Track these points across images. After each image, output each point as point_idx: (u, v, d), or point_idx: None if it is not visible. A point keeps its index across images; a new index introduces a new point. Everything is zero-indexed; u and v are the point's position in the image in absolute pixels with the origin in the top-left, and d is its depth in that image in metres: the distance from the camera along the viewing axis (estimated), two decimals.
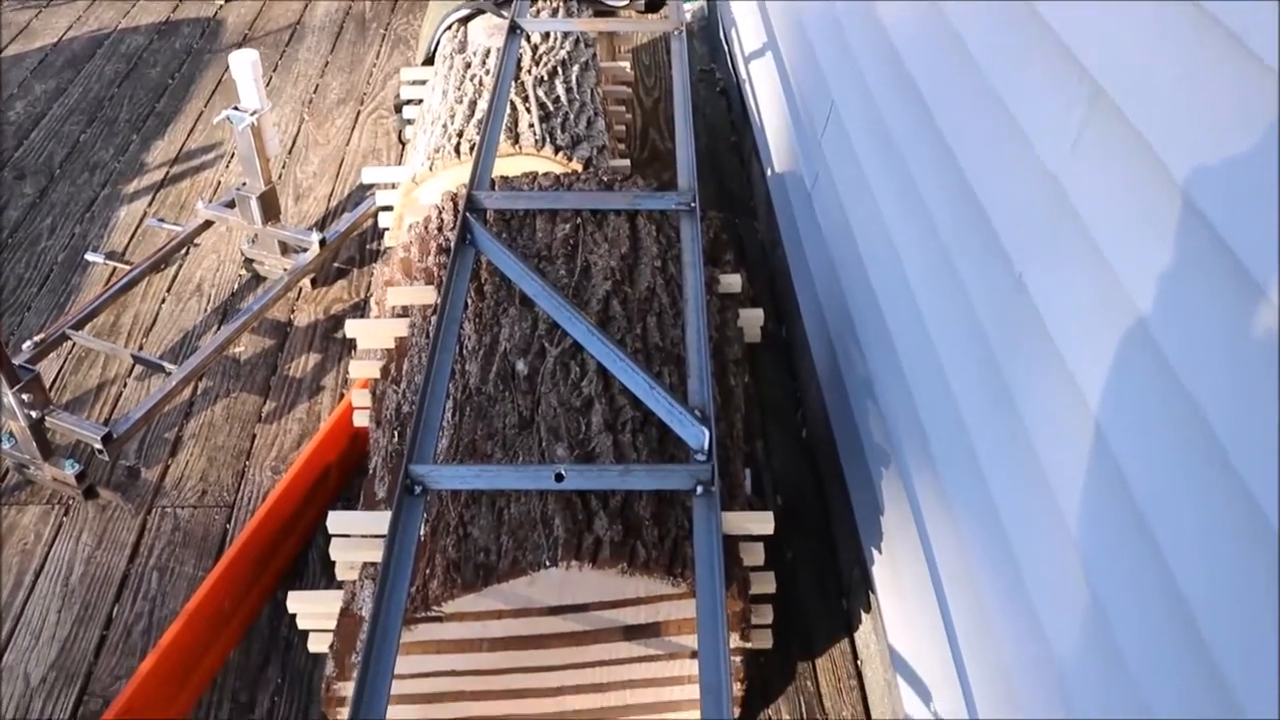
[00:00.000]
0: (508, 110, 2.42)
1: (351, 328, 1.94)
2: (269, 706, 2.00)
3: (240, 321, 2.59)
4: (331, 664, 1.54)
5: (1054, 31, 1.31)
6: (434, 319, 1.70)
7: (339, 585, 1.67)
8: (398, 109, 3.31)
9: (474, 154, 2.11)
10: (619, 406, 1.59)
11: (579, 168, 2.36)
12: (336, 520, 1.55)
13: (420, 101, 2.87)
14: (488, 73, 2.63)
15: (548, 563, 1.39)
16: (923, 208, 1.78)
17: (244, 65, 2.52)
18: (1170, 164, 1.05)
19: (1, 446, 2.33)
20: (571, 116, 2.53)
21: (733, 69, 3.82)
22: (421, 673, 1.55)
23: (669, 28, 2.82)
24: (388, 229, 2.59)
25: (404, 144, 3.28)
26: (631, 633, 1.55)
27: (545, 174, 2.10)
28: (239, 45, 4.18)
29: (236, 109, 2.58)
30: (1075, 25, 1.27)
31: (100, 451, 2.28)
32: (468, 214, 1.89)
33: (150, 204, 3.30)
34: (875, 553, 2.02)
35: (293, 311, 2.88)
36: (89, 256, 2.98)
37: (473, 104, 2.53)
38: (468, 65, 2.72)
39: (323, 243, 2.76)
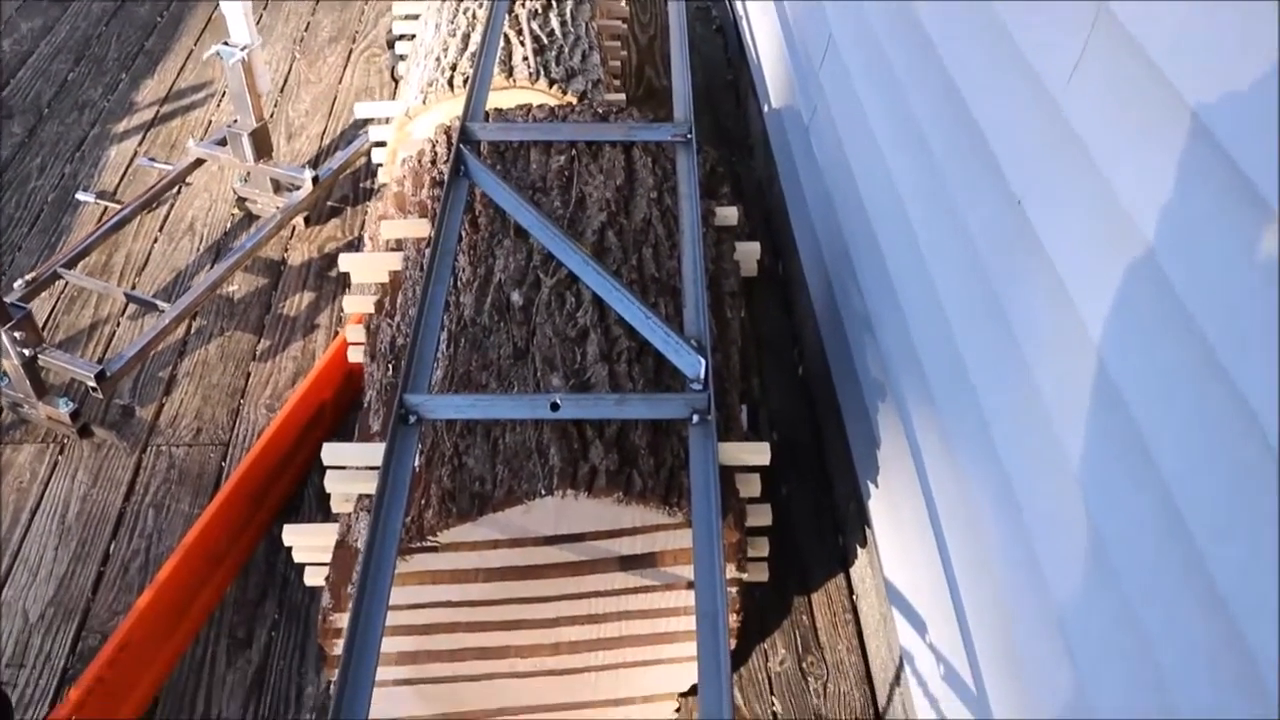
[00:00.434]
0: (501, 43, 2.38)
1: (345, 262, 1.92)
2: (266, 641, 2.01)
3: (233, 259, 2.57)
4: (327, 596, 1.54)
5: None
6: (428, 251, 1.69)
7: (335, 519, 1.67)
8: (390, 45, 3.27)
9: (467, 86, 2.08)
10: (614, 337, 1.58)
11: (574, 101, 2.33)
12: (331, 452, 1.54)
13: (413, 37, 2.82)
14: (481, 5, 2.58)
15: (543, 491, 1.38)
16: (921, 138, 1.76)
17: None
18: (1179, 84, 1.03)
19: None
20: (566, 50, 2.50)
21: (729, 5, 3.77)
22: (417, 604, 1.55)
23: None
24: (381, 165, 2.57)
25: (397, 81, 3.24)
26: (628, 563, 1.54)
27: (540, 106, 2.07)
28: None
29: (227, 44, 2.54)
30: None
31: (94, 389, 2.27)
32: (461, 146, 1.86)
33: (141, 143, 3.27)
34: (872, 487, 2.02)
35: (286, 250, 2.86)
36: (80, 196, 2.95)
37: (466, 37, 2.49)
38: None
39: (316, 180, 2.72)
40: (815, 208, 2.48)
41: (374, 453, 1.48)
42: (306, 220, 2.92)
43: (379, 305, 1.87)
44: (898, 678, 1.86)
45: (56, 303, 2.69)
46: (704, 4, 4.04)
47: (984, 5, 1.50)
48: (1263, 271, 0.91)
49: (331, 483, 1.54)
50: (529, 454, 1.43)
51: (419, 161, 2.00)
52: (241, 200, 2.94)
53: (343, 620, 1.49)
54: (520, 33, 2.48)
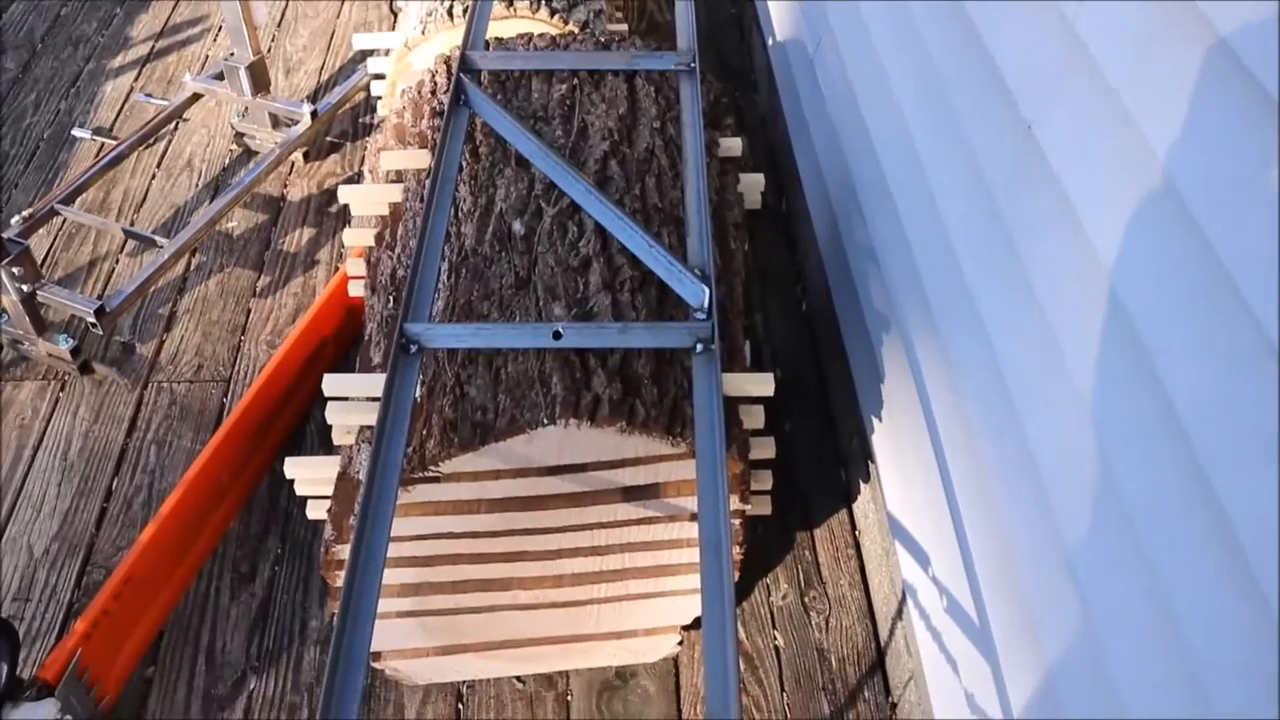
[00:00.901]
0: None
1: (345, 193, 1.89)
2: (269, 575, 2.01)
3: (232, 195, 2.54)
4: (329, 528, 1.53)
5: None
6: (427, 181, 1.66)
7: (337, 452, 1.66)
8: None
9: (467, 15, 2.04)
10: (617, 266, 1.55)
11: (575, 30, 2.29)
12: (332, 383, 1.53)
13: None
14: None
15: (546, 421, 1.37)
16: (929, 63, 1.73)
17: None
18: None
19: None
20: None
21: None
22: (419, 535, 1.54)
23: None
24: (380, 99, 2.53)
25: (395, 15, 3.19)
26: (631, 494, 1.54)
27: (541, 35, 2.03)
28: None
29: None
30: None
31: (94, 325, 2.25)
32: (461, 75, 1.83)
33: (137, 79, 3.22)
34: (875, 422, 2.01)
35: (285, 186, 2.83)
36: (76, 132, 2.91)
37: None
38: None
39: (314, 114, 2.69)
40: (820, 140, 2.45)
41: (375, 383, 1.47)
42: (305, 156, 2.89)
43: (379, 238, 1.84)
44: (900, 612, 1.87)
45: (55, 240, 2.66)
46: None
47: None
48: (1277, 185, 0.89)
49: (332, 414, 1.53)
50: (531, 383, 1.41)
51: (418, 92, 1.97)
52: (239, 135, 2.91)
53: (345, 552, 1.49)
54: None
